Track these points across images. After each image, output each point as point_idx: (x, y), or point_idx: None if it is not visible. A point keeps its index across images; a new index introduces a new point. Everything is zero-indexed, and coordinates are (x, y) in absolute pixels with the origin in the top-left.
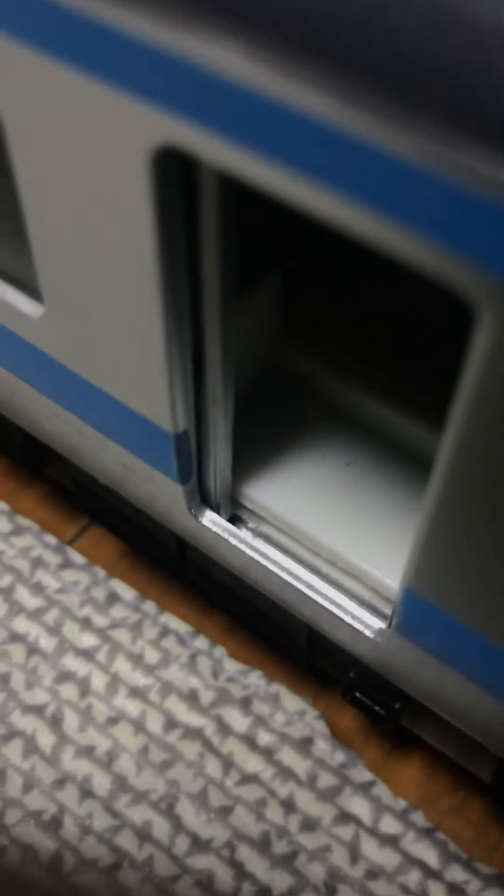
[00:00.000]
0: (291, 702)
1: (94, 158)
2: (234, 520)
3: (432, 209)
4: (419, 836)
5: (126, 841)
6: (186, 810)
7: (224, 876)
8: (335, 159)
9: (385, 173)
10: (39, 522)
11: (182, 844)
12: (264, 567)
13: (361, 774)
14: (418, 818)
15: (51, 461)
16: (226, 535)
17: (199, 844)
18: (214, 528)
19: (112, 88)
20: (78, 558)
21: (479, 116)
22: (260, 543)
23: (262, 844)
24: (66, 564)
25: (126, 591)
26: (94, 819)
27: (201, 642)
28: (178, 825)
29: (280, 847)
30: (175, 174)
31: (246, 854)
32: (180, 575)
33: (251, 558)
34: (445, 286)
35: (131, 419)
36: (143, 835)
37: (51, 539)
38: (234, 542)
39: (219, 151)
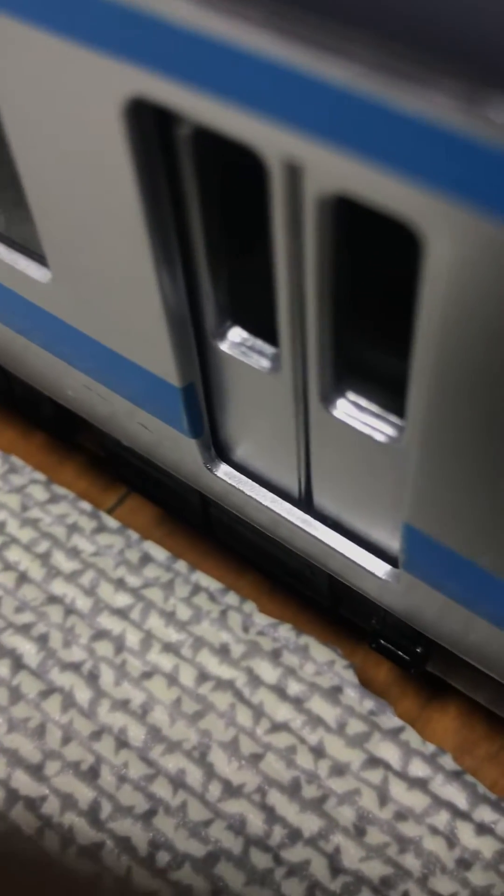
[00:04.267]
0: (320, 653)
1: (74, 118)
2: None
3: (379, 137)
4: (448, 778)
5: (160, 788)
6: (218, 758)
7: (255, 819)
8: (281, 93)
9: (330, 101)
10: (80, 493)
11: (214, 790)
12: (275, 514)
13: (390, 721)
14: (447, 761)
15: (83, 430)
16: (240, 487)
17: (231, 790)
18: (229, 481)
19: (82, 46)
20: (112, 523)
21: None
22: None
23: (292, 789)
24: (101, 529)
25: (159, 553)
26: (130, 768)
27: (232, 598)
28: (210, 772)
29: (310, 791)
30: (149, 128)
31: (276, 798)
32: (208, 533)
33: (263, 506)
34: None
35: (139, 375)
36: (177, 782)
37: (86, 506)
38: (247, 492)
39: (180, 97)
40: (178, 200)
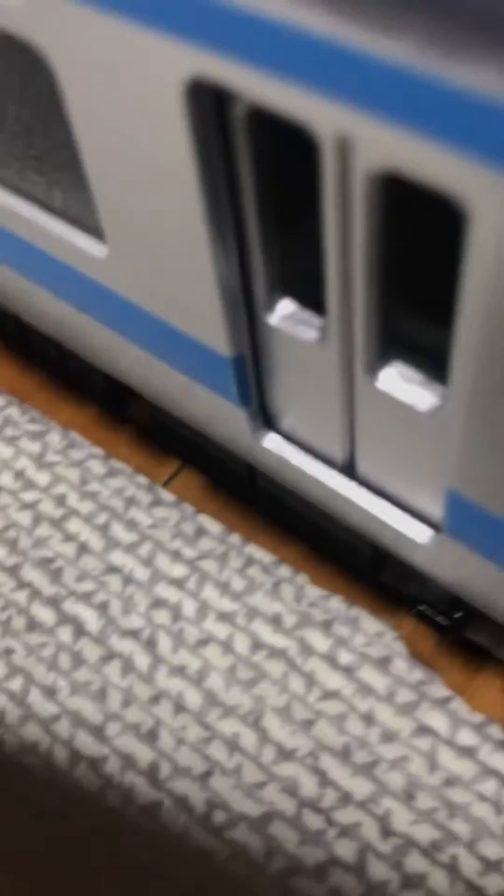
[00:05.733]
0: (371, 624)
1: (136, 99)
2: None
3: (425, 108)
4: (496, 747)
5: (217, 751)
6: (272, 723)
7: (308, 782)
8: (334, 69)
9: (382, 77)
10: (136, 467)
11: (268, 754)
12: (320, 482)
13: (439, 690)
14: (495, 731)
15: (132, 403)
16: (286, 456)
17: (285, 754)
18: (276, 450)
19: (143, 28)
20: (168, 496)
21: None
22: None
23: (344, 754)
24: (157, 502)
25: (213, 526)
26: (188, 731)
27: (284, 570)
28: (264, 737)
29: (361, 757)
30: (207, 108)
31: (328, 763)
32: (255, 504)
33: (308, 475)
34: (440, 190)
35: (192, 347)
36: (233, 745)
37: (143, 479)
38: (294, 461)
39: (237, 76)
40: (232, 178)
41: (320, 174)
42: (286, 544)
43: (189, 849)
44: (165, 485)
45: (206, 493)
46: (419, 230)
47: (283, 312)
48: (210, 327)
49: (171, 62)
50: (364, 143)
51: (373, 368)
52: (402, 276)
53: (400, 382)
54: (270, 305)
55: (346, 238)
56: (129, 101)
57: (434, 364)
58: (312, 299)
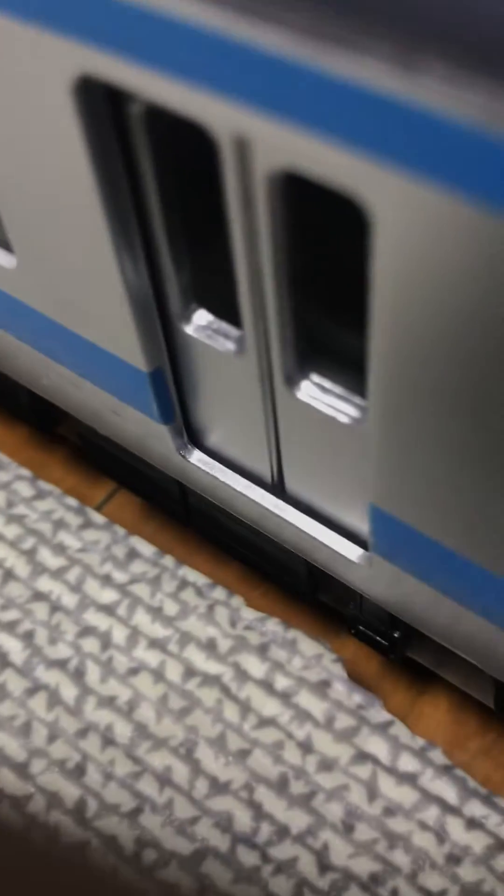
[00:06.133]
0: (309, 646)
1: (26, 98)
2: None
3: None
4: (437, 773)
5: (147, 786)
6: (205, 755)
7: (243, 816)
8: (221, 65)
9: (267, 71)
10: (69, 488)
11: (201, 787)
12: (249, 500)
13: (379, 715)
14: (437, 756)
15: (63, 421)
16: (213, 473)
17: (218, 787)
18: (202, 467)
19: (28, 24)
20: (98, 518)
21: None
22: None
23: (280, 785)
24: (87, 525)
25: (145, 548)
26: (116, 766)
27: (219, 593)
28: (197, 769)
29: (297, 787)
30: (100, 107)
31: (264, 795)
32: (189, 524)
33: (237, 492)
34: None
35: (108, 361)
36: (164, 779)
37: (72, 501)
38: (221, 478)
39: (126, 74)
40: (135, 181)
41: (221, 175)
42: (225, 565)
43: (118, 891)
44: (101, 506)
45: (143, 513)
46: (330, 235)
47: (200, 323)
48: (124, 341)
49: (59, 60)
50: (262, 143)
51: (292, 380)
52: (317, 283)
53: (321, 394)
54: (186, 316)
55: (253, 242)
56: (21, 101)
57: (354, 375)
58: (229, 310)
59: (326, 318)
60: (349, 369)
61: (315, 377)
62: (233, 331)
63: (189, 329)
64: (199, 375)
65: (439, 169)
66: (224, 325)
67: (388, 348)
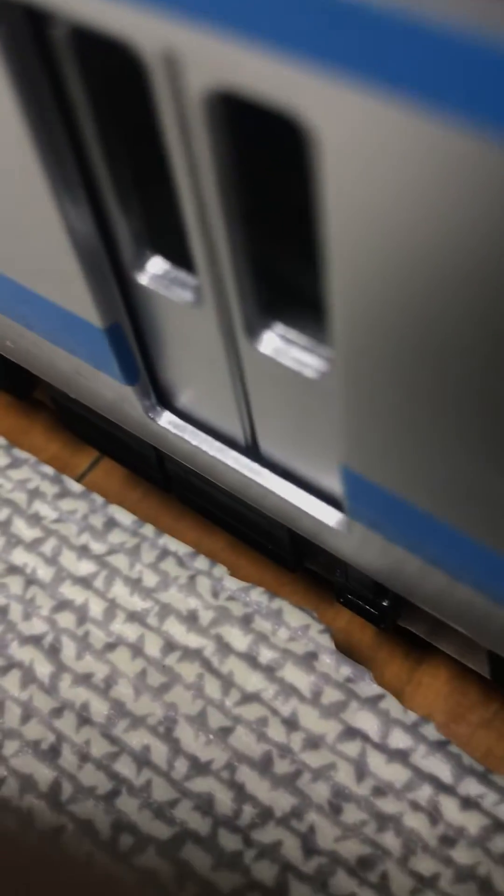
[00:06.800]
0: (295, 617)
1: None
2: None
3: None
4: (431, 749)
5: (124, 767)
6: (185, 733)
7: (224, 798)
8: None
9: None
10: (51, 456)
11: (181, 768)
12: (223, 463)
13: (369, 688)
14: (430, 731)
15: (40, 386)
16: (185, 436)
17: (199, 767)
18: (173, 430)
19: None
20: (76, 487)
21: None
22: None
23: (263, 765)
24: (64, 494)
25: (125, 517)
26: (92, 746)
27: (201, 563)
28: (176, 749)
29: (282, 767)
30: (21, 30)
31: (246, 775)
32: (168, 490)
33: (210, 455)
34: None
35: (62, 318)
36: (142, 760)
37: (48, 470)
38: (193, 441)
39: None
40: (68, 117)
41: (154, 101)
42: (213, 533)
43: (93, 877)
44: (85, 473)
45: (129, 480)
46: (278, 165)
47: (155, 272)
48: (74, 293)
49: None
50: (192, 60)
51: (254, 331)
52: (271, 220)
53: (285, 346)
54: (139, 265)
55: (195, 175)
56: None
57: (319, 323)
58: (185, 256)
59: (285, 259)
60: (314, 316)
61: (279, 328)
62: (190, 279)
63: (143, 279)
64: (161, 330)
65: (391, 77)
66: (181, 275)
67: (346, 284)
